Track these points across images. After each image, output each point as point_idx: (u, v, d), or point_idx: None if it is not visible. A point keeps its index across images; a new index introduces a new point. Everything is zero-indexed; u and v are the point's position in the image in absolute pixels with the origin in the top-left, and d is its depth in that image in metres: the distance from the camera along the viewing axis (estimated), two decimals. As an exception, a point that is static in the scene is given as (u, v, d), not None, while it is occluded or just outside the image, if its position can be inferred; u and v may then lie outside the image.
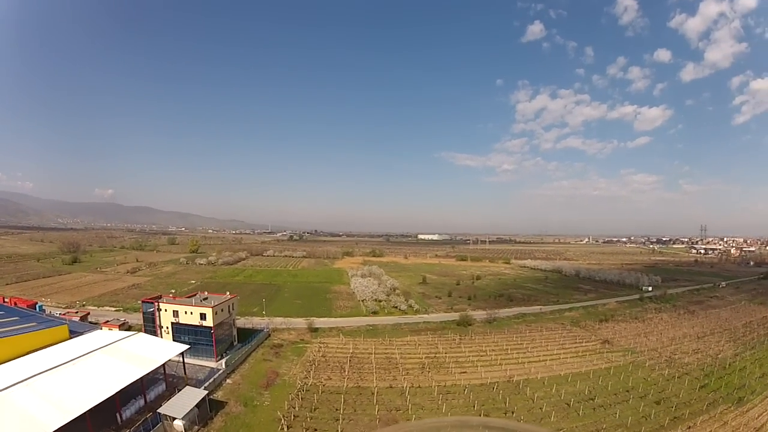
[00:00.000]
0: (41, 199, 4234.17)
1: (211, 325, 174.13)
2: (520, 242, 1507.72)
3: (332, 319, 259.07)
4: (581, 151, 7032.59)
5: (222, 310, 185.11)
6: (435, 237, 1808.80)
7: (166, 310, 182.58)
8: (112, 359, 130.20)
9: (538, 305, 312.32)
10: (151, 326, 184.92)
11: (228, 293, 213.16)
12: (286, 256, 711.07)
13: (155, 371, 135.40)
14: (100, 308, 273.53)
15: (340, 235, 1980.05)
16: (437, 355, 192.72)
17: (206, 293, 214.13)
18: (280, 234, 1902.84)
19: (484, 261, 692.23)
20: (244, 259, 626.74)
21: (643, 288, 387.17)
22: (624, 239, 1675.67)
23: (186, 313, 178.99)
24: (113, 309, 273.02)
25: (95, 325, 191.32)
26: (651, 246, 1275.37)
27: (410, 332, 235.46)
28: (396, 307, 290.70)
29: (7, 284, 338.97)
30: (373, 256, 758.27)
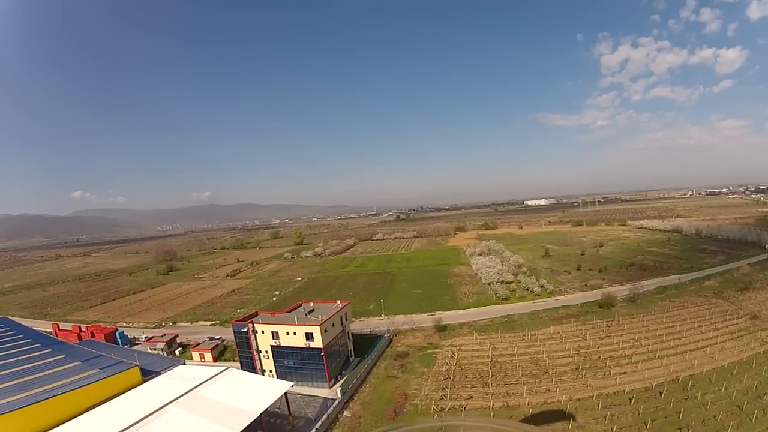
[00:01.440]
0: (136, 210, 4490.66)
1: (320, 346, 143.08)
2: (626, 200, 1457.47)
3: (460, 312, 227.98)
4: (670, 99, 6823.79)
5: (333, 325, 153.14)
6: (542, 202, 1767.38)
7: (263, 332, 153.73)
8: (190, 416, 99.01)
9: (673, 274, 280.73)
10: (246, 351, 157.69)
11: (339, 302, 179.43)
12: (396, 238, 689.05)
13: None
14: (194, 324, 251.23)
15: (446, 209, 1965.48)
16: (588, 350, 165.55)
17: (312, 304, 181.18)
18: (386, 214, 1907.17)
19: (599, 224, 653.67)
20: (352, 246, 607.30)
21: (766, 246, 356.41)
22: (724, 189, 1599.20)
23: (288, 333, 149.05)
24: (208, 323, 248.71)
25: (177, 360, 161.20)
26: (753, 196, 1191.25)
27: (551, 321, 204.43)
28: (528, 290, 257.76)
29: (92, 307, 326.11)
30: (487, 229, 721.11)
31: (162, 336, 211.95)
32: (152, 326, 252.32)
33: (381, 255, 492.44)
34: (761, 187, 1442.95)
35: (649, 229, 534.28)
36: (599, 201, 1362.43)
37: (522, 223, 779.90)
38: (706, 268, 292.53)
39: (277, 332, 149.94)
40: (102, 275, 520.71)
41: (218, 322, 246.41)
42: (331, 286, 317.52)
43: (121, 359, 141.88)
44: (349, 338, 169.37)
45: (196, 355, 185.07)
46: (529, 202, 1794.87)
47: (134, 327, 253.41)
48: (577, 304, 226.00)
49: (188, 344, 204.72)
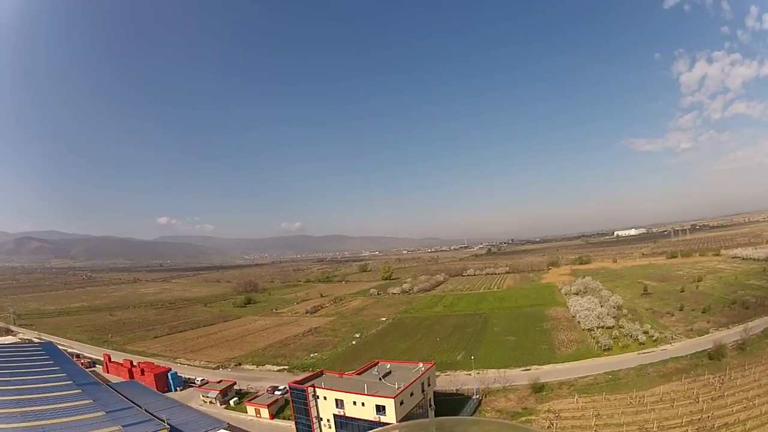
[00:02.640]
0: (223, 238, 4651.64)
1: (393, 421, 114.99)
2: (714, 227, 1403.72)
3: (558, 367, 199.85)
4: (747, 116, 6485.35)
5: (411, 395, 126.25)
6: (632, 232, 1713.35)
7: (325, 398, 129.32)
8: None
9: None
10: (304, 419, 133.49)
11: (421, 364, 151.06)
12: (488, 273, 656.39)
13: None
14: (259, 367, 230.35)
15: (537, 242, 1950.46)
16: (701, 417, 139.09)
17: (388, 366, 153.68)
18: (477, 247, 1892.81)
19: (694, 256, 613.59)
20: (442, 283, 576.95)
21: None
22: None
23: (355, 403, 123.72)
24: (276, 368, 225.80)
25: (217, 423, 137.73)
26: None
27: (659, 378, 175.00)
28: (631, 337, 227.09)
29: (156, 337, 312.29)
30: (581, 263, 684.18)
31: (218, 382, 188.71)
32: (214, 366, 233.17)
33: (472, 293, 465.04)
34: None
35: (743, 259, 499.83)
36: (688, 229, 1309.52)
37: (615, 256, 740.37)
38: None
39: (342, 400, 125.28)
40: (176, 303, 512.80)
41: (287, 367, 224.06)
42: (417, 329, 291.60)
43: (150, 416, 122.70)
44: (430, 406, 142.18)
45: (251, 409, 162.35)
46: (620, 233, 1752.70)
47: (194, 366, 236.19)
48: (686, 356, 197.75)
49: (247, 393, 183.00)
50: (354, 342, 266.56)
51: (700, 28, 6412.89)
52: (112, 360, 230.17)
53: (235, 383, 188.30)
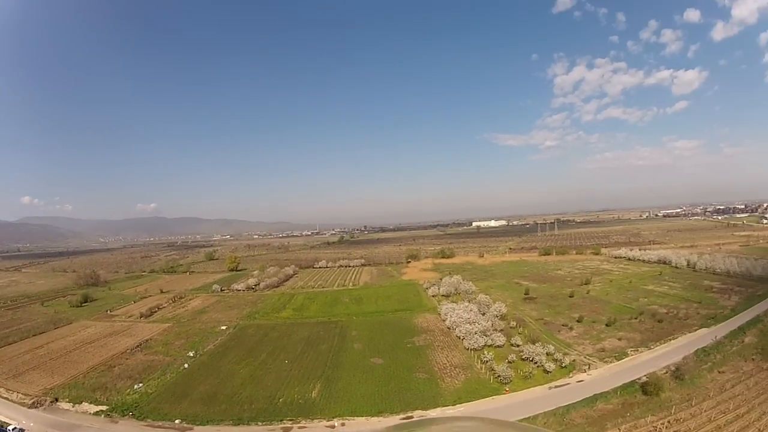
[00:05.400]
0: (81, 220, 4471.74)
1: None
2: (580, 222, 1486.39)
3: (448, 412, 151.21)
4: (623, 120, 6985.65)
5: None
6: (492, 223, 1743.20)
7: None
8: None
9: (698, 326, 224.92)
10: None
11: None
12: (341, 266, 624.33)
13: None
14: (76, 407, 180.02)
15: (391, 230, 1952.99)
16: None
17: None
18: (330, 233, 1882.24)
19: (570, 254, 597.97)
20: (292, 276, 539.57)
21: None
22: (679, 210, 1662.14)
23: None
24: (93, 408, 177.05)
25: None
26: (720, 218, 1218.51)
27: (589, 427, 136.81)
28: (533, 362, 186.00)
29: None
30: (443, 257, 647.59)
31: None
32: (29, 403, 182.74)
33: (325, 291, 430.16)
34: (719, 208, 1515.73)
35: (629, 259, 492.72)
36: (555, 223, 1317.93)
37: (480, 249, 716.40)
38: (730, 315, 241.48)
39: None
40: (17, 301, 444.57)
41: (106, 408, 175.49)
42: (263, 344, 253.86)
43: None
44: None
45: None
46: (479, 224, 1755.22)
47: (11, 401, 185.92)
48: (613, 390, 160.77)
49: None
50: (186, 365, 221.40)
51: (586, 36, 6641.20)
52: None
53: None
